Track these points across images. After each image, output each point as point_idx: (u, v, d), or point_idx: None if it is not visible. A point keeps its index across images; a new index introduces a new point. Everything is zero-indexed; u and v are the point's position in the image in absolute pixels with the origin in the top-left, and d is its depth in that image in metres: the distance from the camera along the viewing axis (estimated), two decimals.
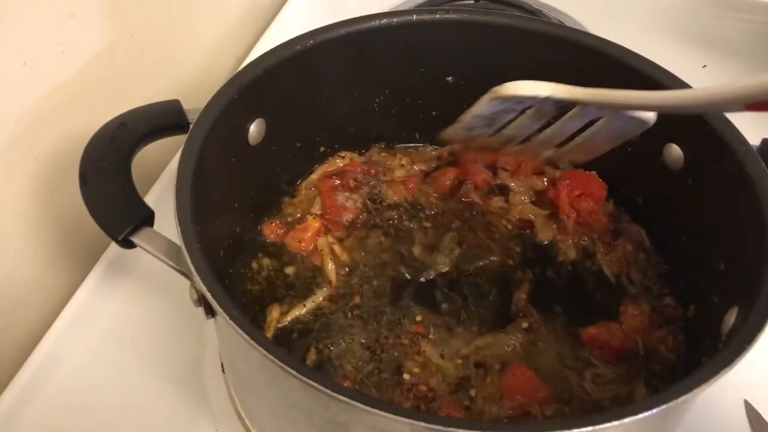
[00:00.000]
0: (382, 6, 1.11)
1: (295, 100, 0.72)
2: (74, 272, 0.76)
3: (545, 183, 0.78)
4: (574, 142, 0.67)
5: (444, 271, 0.73)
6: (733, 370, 0.66)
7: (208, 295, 0.49)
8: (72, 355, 0.71)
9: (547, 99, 0.63)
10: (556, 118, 0.65)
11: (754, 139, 0.66)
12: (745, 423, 0.68)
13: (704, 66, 1.05)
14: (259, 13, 1.11)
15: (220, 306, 0.48)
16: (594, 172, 0.77)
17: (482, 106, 0.65)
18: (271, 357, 0.45)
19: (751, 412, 0.68)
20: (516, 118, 0.66)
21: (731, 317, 0.56)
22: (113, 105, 0.67)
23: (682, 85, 0.67)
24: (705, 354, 0.60)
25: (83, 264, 0.76)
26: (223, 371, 0.68)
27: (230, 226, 0.70)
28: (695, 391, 0.45)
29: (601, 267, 0.73)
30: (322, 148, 0.80)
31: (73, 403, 0.68)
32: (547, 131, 0.66)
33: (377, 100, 0.79)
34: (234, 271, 0.71)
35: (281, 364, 0.45)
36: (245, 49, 1.07)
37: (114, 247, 0.76)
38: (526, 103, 0.64)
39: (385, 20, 0.73)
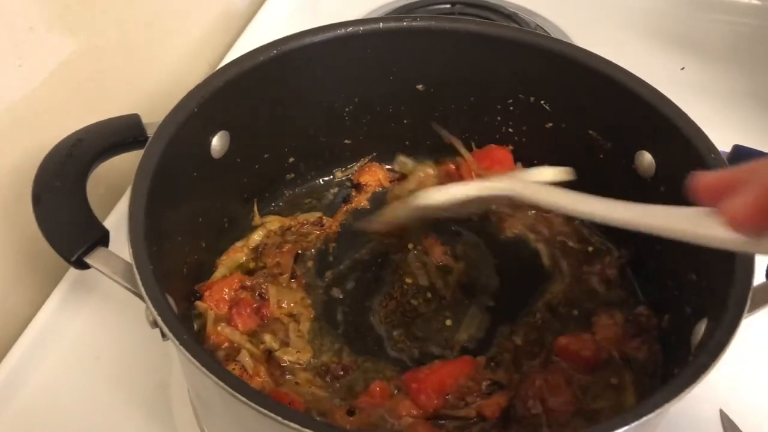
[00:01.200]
0: (359, 11, 1.10)
1: (260, 110, 0.71)
2: (37, 291, 0.75)
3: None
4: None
5: None
6: (708, 381, 0.65)
7: (159, 320, 0.47)
8: (35, 375, 0.69)
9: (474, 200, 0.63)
10: None
11: (725, 146, 0.65)
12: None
13: (683, 68, 1.04)
14: (233, 20, 1.10)
15: (170, 331, 0.46)
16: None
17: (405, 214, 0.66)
18: (222, 384, 0.44)
19: (727, 422, 0.67)
20: None
21: (701, 329, 0.55)
22: (77, 119, 0.65)
23: (653, 91, 0.66)
24: (678, 365, 0.60)
25: (46, 282, 0.75)
26: (189, 391, 0.67)
27: (195, 241, 0.68)
28: (658, 410, 0.44)
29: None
30: (291, 159, 0.78)
31: (36, 424, 0.67)
32: None
33: (347, 109, 0.78)
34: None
35: (231, 390, 0.43)
36: (219, 56, 1.05)
37: None
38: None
39: (351, 29, 0.71)
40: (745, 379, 0.70)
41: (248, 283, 0.68)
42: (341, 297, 0.71)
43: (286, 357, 0.64)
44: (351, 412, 0.62)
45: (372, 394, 0.63)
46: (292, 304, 0.69)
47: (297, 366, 0.65)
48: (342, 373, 0.65)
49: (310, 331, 0.68)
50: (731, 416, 0.68)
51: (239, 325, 0.65)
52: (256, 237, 0.75)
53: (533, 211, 0.77)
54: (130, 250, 0.51)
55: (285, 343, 0.66)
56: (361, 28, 0.71)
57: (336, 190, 0.81)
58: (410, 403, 0.62)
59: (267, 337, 0.66)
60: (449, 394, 0.63)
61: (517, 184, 0.61)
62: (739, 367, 0.70)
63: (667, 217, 0.48)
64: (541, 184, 0.61)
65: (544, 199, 0.58)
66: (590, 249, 0.75)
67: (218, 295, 0.67)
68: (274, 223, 0.76)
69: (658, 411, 0.44)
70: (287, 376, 0.64)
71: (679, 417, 0.67)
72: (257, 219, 0.76)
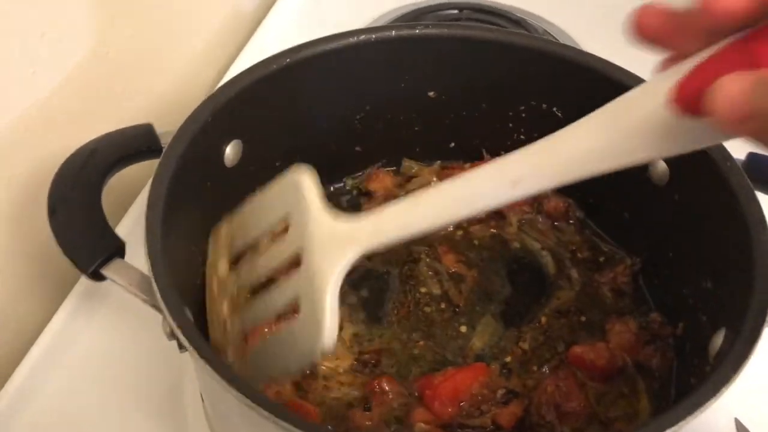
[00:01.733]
0: (367, 15, 1.10)
1: (272, 119, 0.71)
2: (49, 300, 0.75)
3: None
4: None
5: None
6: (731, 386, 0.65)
7: (178, 332, 0.47)
8: (47, 386, 0.69)
9: None
10: None
11: (739, 153, 0.64)
12: None
13: None
14: (241, 25, 1.10)
15: (191, 344, 0.46)
16: None
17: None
18: (245, 399, 0.44)
19: (742, 430, 0.67)
20: None
21: (719, 339, 0.55)
22: (89, 125, 0.65)
23: None
24: (693, 375, 0.60)
25: (58, 292, 0.74)
26: (202, 401, 0.67)
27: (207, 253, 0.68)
28: (681, 422, 0.44)
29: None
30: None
31: None
32: None
33: (358, 116, 0.77)
34: None
35: (254, 405, 0.43)
36: (227, 61, 1.05)
37: None
38: None
39: (363, 36, 0.71)
40: (761, 387, 0.70)
41: None
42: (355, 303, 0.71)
43: (326, 364, 0.64)
44: (367, 408, 0.62)
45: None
46: None
47: (334, 372, 0.65)
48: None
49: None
50: (747, 425, 0.67)
51: None
52: None
53: (542, 220, 0.77)
54: (148, 262, 0.51)
55: None
56: (373, 36, 0.71)
57: (348, 197, 0.81)
58: (424, 410, 0.62)
59: None
60: (464, 401, 0.63)
61: None
62: (755, 375, 0.69)
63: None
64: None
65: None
66: (602, 259, 0.75)
67: None
68: None
69: (680, 423, 0.44)
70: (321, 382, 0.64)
71: (692, 425, 0.66)
72: None
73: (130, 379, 0.70)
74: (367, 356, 0.66)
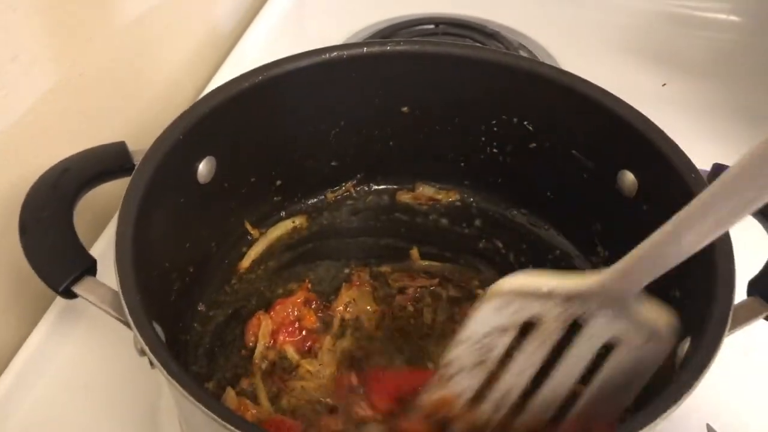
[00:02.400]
0: (344, 32, 1.11)
1: (246, 136, 0.71)
2: (25, 319, 0.75)
3: None
4: (585, 399, 0.55)
5: None
6: (694, 395, 0.66)
7: (146, 349, 0.47)
8: (24, 404, 0.69)
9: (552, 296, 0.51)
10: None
11: (707, 162, 0.66)
12: None
13: (664, 84, 1.06)
14: (218, 43, 1.11)
15: (158, 359, 0.47)
16: None
17: (483, 314, 0.52)
18: (213, 415, 0.44)
19: None
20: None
21: (684, 347, 0.55)
22: (64, 147, 0.65)
23: (631, 111, 0.67)
24: (661, 383, 0.60)
25: (34, 311, 0.75)
26: (178, 418, 0.67)
27: (183, 267, 0.68)
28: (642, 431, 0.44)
29: None
30: (278, 182, 0.79)
31: None
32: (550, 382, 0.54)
33: (333, 132, 0.78)
34: (192, 311, 0.70)
35: (220, 420, 0.44)
36: (204, 80, 1.06)
37: None
38: (526, 312, 0.52)
39: (335, 53, 0.72)
40: (732, 392, 0.71)
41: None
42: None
43: (308, 367, 0.66)
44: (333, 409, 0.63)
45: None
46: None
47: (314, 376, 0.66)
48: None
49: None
50: (718, 430, 0.68)
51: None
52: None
53: None
54: (117, 279, 0.51)
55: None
56: (345, 53, 0.72)
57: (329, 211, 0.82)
58: (365, 403, 0.63)
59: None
60: (405, 401, 0.63)
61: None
62: (726, 381, 0.71)
63: None
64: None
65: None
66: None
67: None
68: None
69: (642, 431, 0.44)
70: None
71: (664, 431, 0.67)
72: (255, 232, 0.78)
73: (108, 397, 0.70)
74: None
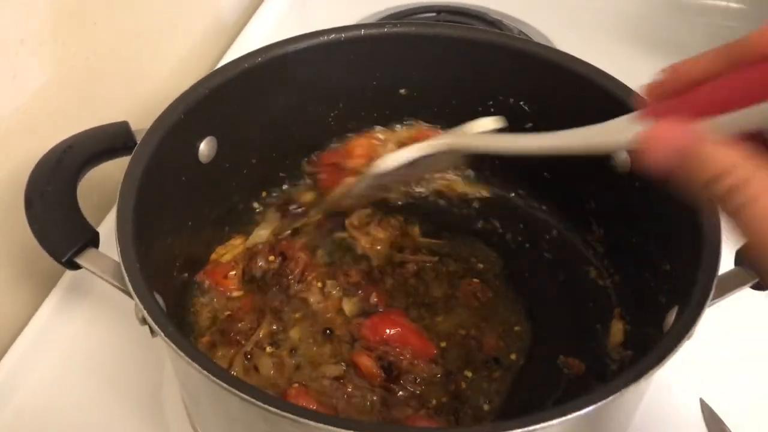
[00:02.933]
0: (348, 20, 1.12)
1: (246, 117, 0.73)
2: (33, 296, 0.77)
3: None
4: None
5: None
6: (688, 370, 0.67)
7: (145, 314, 0.49)
8: (31, 378, 0.71)
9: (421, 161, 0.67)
10: None
11: None
12: (701, 421, 0.69)
13: (663, 70, 1.06)
14: (222, 32, 1.12)
15: (156, 324, 0.48)
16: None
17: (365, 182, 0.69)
18: (206, 373, 0.46)
19: (707, 410, 0.69)
20: None
21: (671, 317, 0.56)
22: (70, 129, 0.67)
23: (625, 89, 0.68)
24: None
25: (42, 287, 0.77)
26: (181, 391, 0.69)
27: (185, 243, 0.70)
28: (617, 393, 0.45)
29: None
30: (279, 163, 0.80)
31: (31, 427, 0.68)
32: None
33: (332, 114, 0.80)
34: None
35: (213, 378, 0.45)
36: (209, 67, 1.07)
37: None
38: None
39: (333, 35, 0.74)
40: (725, 367, 0.72)
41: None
42: None
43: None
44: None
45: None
46: None
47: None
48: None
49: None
50: (711, 405, 0.69)
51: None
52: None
53: None
54: (118, 248, 0.53)
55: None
56: (343, 35, 0.74)
57: None
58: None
59: None
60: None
61: (456, 138, 0.66)
62: (719, 356, 0.72)
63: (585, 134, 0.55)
64: (478, 134, 0.66)
65: (482, 145, 0.66)
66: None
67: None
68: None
69: (621, 391, 0.45)
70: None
71: (659, 406, 0.68)
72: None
73: (113, 372, 0.72)
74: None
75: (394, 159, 0.68)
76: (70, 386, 0.71)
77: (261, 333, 0.67)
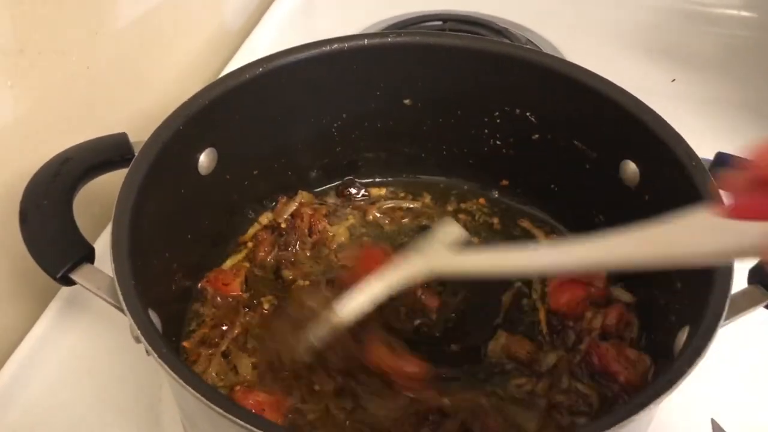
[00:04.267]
0: (353, 29, 1.11)
1: (247, 128, 0.72)
2: (29, 309, 0.75)
3: None
4: None
5: None
6: (699, 390, 0.65)
7: (138, 333, 0.48)
8: (27, 392, 0.70)
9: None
10: None
11: (708, 153, 0.65)
12: None
13: (673, 80, 1.05)
14: (227, 40, 1.11)
15: (150, 345, 0.47)
16: None
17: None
18: (200, 397, 0.44)
19: (717, 430, 0.67)
20: None
21: (682, 337, 0.55)
22: (69, 139, 0.66)
23: (633, 100, 0.66)
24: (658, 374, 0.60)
25: (38, 301, 0.75)
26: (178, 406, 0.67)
27: (183, 257, 0.69)
28: (633, 417, 0.44)
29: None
30: (281, 175, 0.79)
31: None
32: None
33: (335, 125, 0.78)
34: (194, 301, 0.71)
35: (209, 403, 0.44)
36: (213, 76, 1.06)
37: None
38: None
39: (336, 45, 0.72)
40: (737, 387, 0.70)
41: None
42: None
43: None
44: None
45: None
46: None
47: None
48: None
49: None
50: (723, 425, 0.67)
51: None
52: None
53: None
54: (113, 265, 0.52)
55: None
56: (346, 45, 0.72)
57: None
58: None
59: None
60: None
61: (436, 260, 0.58)
62: (731, 375, 0.70)
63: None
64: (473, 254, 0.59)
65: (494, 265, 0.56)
66: None
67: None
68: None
69: (633, 417, 0.44)
70: None
71: (669, 425, 0.66)
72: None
73: (110, 387, 0.71)
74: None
75: (357, 303, 0.57)
76: (67, 401, 0.70)
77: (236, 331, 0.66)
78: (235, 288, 0.71)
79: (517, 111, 0.75)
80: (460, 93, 0.76)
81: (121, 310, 0.51)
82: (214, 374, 0.64)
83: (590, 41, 1.10)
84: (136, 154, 0.62)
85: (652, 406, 0.45)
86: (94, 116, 0.82)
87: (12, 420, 0.68)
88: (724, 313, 0.50)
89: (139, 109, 0.90)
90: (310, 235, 0.76)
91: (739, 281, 0.55)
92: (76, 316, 0.75)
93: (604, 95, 0.68)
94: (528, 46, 1.06)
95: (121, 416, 0.68)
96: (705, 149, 0.64)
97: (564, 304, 0.69)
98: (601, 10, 1.17)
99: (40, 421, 0.68)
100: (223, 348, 0.65)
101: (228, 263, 0.75)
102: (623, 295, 0.70)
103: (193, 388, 0.45)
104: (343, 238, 0.77)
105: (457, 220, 0.78)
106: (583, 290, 0.69)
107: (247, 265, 0.74)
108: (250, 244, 0.76)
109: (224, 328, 0.67)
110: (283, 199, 0.79)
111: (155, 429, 0.68)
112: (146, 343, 0.47)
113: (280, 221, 0.77)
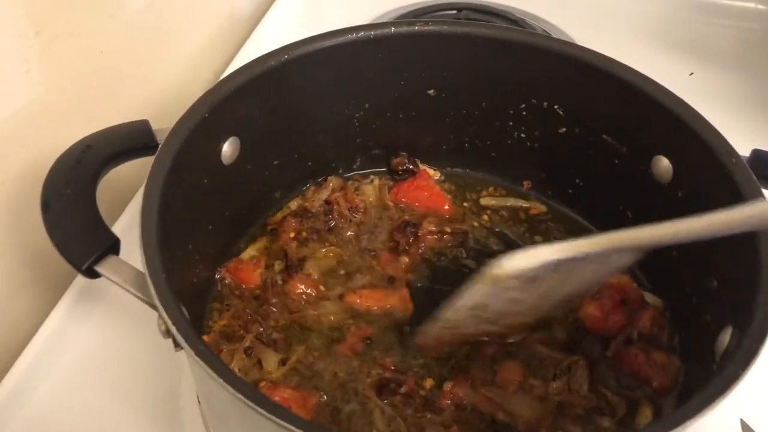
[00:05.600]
0: (364, 17, 1.09)
1: (270, 117, 0.70)
2: (44, 299, 0.73)
3: None
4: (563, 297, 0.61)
5: None
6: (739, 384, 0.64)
7: (173, 329, 0.46)
8: (43, 384, 0.68)
9: (552, 263, 0.53)
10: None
11: (744, 150, 0.64)
12: None
13: (691, 73, 1.03)
14: (238, 27, 1.09)
15: (186, 341, 0.45)
16: None
17: (473, 295, 0.55)
18: (240, 395, 0.43)
19: (747, 431, 0.66)
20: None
21: (725, 337, 0.54)
22: (84, 125, 0.64)
23: (669, 95, 0.65)
24: (700, 375, 0.58)
25: (54, 290, 0.73)
26: (198, 402, 0.66)
27: (205, 249, 0.67)
28: (689, 421, 0.43)
29: None
30: (301, 165, 0.77)
31: None
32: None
33: (357, 115, 0.77)
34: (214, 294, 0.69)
35: (250, 403, 0.42)
36: (223, 63, 1.04)
37: None
38: (526, 276, 0.54)
39: (362, 33, 0.70)
40: (766, 388, 0.69)
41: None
42: None
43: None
44: None
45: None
46: None
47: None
48: None
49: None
50: (753, 425, 0.66)
51: None
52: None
53: None
54: (143, 258, 0.50)
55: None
56: (372, 33, 0.70)
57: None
58: None
59: None
60: None
61: (595, 239, 0.54)
62: (761, 376, 0.69)
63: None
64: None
65: (628, 241, 0.54)
66: None
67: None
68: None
69: (688, 422, 0.42)
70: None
71: (698, 426, 0.65)
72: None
73: (126, 379, 0.69)
74: None
75: (519, 261, 0.53)
76: (82, 393, 0.68)
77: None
78: (255, 279, 0.70)
79: (545, 104, 0.73)
80: (486, 84, 0.74)
81: (151, 305, 0.50)
82: (237, 370, 0.62)
83: (606, 33, 1.09)
84: (160, 142, 0.60)
85: (706, 411, 0.44)
86: (109, 101, 0.80)
87: (27, 414, 0.66)
88: None
89: (152, 95, 0.89)
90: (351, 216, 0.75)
91: None
92: (91, 308, 0.73)
93: (637, 89, 0.66)
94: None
95: (139, 411, 0.67)
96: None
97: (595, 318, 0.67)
98: (618, 2, 1.15)
99: (55, 416, 0.67)
100: (247, 343, 0.63)
101: (248, 252, 0.73)
102: (654, 301, 0.68)
103: (233, 387, 0.43)
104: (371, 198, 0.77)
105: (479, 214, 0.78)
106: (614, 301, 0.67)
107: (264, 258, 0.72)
108: (264, 239, 0.74)
109: (246, 322, 0.65)
110: (312, 187, 0.77)
111: (174, 424, 0.66)
112: (182, 339, 0.46)
113: (310, 206, 0.75)
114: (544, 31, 1.07)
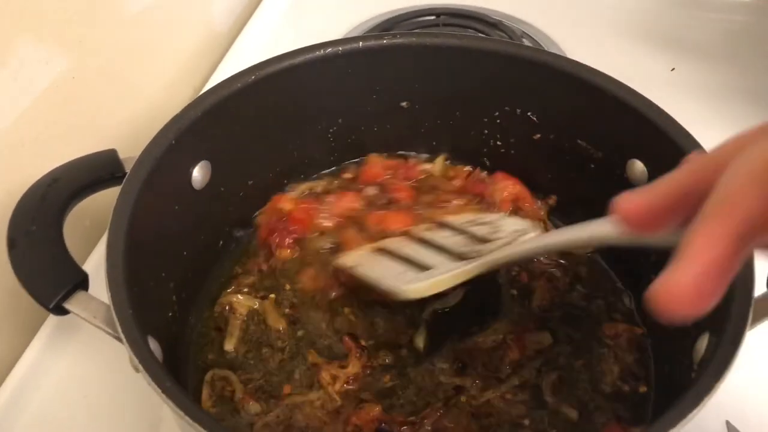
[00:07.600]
0: (342, 28, 1.09)
1: (242, 137, 0.69)
2: (20, 334, 0.73)
3: None
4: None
5: None
6: (714, 394, 0.63)
7: (140, 367, 0.45)
8: (21, 416, 0.67)
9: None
10: None
11: (711, 143, 0.63)
12: None
13: (673, 69, 1.03)
14: (216, 42, 1.09)
15: (151, 378, 0.45)
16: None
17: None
18: None
19: None
20: None
21: (702, 344, 0.53)
22: (55, 154, 0.64)
23: (641, 99, 0.64)
24: (678, 381, 0.58)
25: (30, 325, 0.73)
26: None
27: (180, 276, 0.66)
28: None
29: None
30: (277, 183, 0.77)
31: None
32: None
33: (331, 130, 0.76)
34: (195, 318, 0.68)
35: None
36: (202, 80, 1.04)
37: None
38: None
39: (330, 49, 0.70)
40: (752, 389, 0.68)
41: None
42: None
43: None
44: None
45: None
46: None
47: None
48: None
49: None
50: (738, 427, 0.66)
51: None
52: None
53: None
54: (109, 294, 0.49)
55: None
56: (340, 48, 0.70)
57: None
58: None
59: None
60: None
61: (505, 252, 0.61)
62: (746, 378, 0.68)
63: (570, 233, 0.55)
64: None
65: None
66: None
67: None
68: None
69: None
70: None
71: (685, 429, 0.65)
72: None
73: (105, 411, 0.68)
74: None
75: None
76: (64, 426, 0.68)
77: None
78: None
79: (518, 111, 0.73)
80: (458, 93, 0.74)
81: (120, 340, 0.49)
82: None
83: (586, 31, 1.08)
84: (128, 171, 0.59)
85: (684, 422, 0.43)
86: (81, 128, 0.80)
87: None
88: (749, 320, 0.48)
89: (126, 120, 0.88)
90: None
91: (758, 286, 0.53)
92: (69, 340, 0.73)
93: (609, 94, 0.66)
94: (525, 42, 1.04)
95: None
96: (707, 140, 0.61)
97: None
98: (596, 1, 1.15)
99: None
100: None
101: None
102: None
103: (201, 425, 0.42)
104: None
105: None
106: None
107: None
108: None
109: None
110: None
111: None
112: (147, 375, 0.45)
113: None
114: (523, 32, 1.07)
